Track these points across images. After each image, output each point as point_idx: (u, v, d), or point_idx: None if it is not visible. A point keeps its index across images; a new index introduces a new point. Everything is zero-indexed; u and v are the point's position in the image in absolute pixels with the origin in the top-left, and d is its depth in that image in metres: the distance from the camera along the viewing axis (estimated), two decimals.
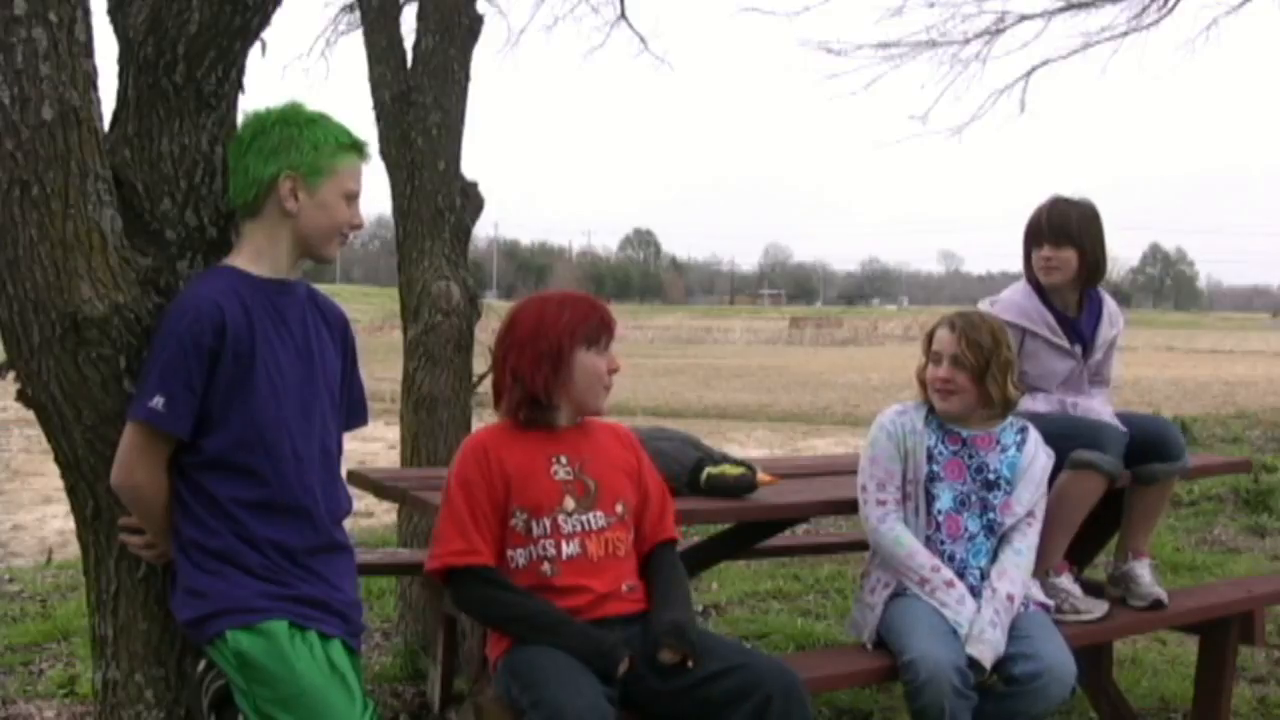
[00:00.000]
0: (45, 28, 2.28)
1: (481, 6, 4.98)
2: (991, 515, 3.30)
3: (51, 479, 6.12)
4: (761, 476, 3.42)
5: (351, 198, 2.51)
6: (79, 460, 2.49)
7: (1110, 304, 3.89)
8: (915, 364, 3.44)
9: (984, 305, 3.73)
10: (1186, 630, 4.23)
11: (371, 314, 47.13)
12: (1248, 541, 7.33)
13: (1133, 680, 4.48)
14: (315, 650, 2.38)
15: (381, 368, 12.04)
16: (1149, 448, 3.69)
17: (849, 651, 3.36)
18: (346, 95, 4.72)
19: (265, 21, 2.55)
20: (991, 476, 3.32)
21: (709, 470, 3.38)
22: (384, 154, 4.83)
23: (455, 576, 2.78)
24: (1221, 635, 3.87)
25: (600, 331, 2.83)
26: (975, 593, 3.22)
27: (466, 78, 4.87)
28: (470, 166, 4.91)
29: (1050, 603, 3.43)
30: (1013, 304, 3.73)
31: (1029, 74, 11.49)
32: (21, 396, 2.50)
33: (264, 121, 2.47)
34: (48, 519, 9.03)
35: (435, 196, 4.77)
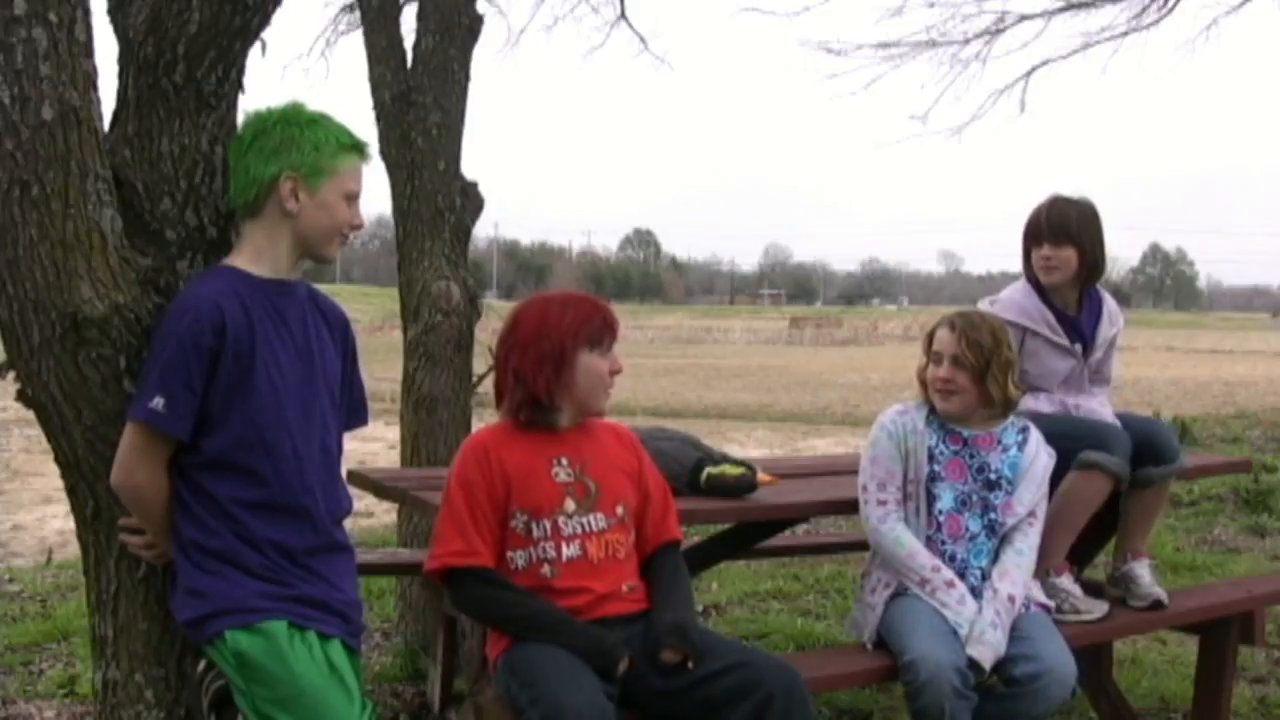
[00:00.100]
0: (45, 28, 2.28)
1: (481, 6, 4.98)
2: (993, 515, 3.30)
3: (51, 479, 6.12)
4: (761, 476, 3.42)
5: (352, 198, 2.51)
6: (79, 460, 2.49)
7: (1110, 302, 3.89)
8: (915, 364, 3.44)
9: (984, 305, 3.73)
10: (1186, 630, 4.22)
11: (371, 314, 47.12)
12: (1248, 541, 7.33)
13: (1133, 680, 4.48)
14: (314, 650, 2.38)
15: (381, 368, 12.04)
16: (1143, 451, 3.68)
17: (849, 651, 3.36)
18: (346, 95, 4.72)
19: (265, 21, 2.55)
20: (993, 476, 3.31)
21: (709, 470, 3.38)
22: (384, 154, 4.82)
23: (454, 577, 2.78)
24: (1221, 635, 3.86)
25: (603, 333, 2.82)
26: (976, 593, 3.22)
27: (466, 78, 4.87)
28: (470, 166, 4.91)
29: (1051, 603, 3.43)
30: (1013, 303, 3.73)
31: (1029, 74, 11.51)
32: (21, 396, 2.50)
33: (265, 121, 2.47)
34: (48, 519, 9.04)
35: (435, 196, 4.77)
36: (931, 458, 3.29)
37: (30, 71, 2.27)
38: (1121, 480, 3.57)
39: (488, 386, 3.05)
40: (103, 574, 2.57)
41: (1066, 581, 3.59)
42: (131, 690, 2.57)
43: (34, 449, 12.07)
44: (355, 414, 2.68)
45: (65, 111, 2.31)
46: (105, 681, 2.59)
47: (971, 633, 3.10)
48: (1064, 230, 3.67)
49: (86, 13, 2.37)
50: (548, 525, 2.76)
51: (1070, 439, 3.50)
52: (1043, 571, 3.48)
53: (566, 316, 2.80)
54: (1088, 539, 3.80)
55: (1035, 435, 3.39)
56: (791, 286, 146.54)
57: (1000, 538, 3.31)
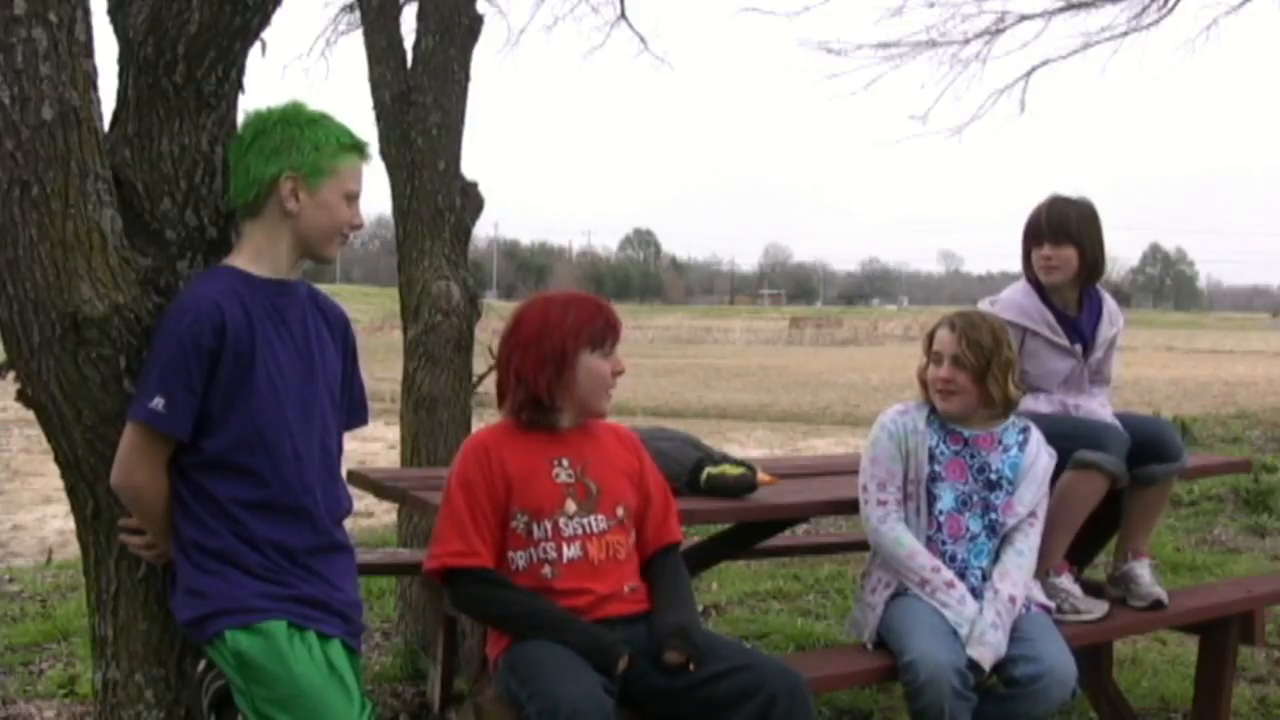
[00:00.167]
0: (45, 28, 2.28)
1: (481, 6, 4.98)
2: (993, 515, 3.30)
3: (51, 479, 6.12)
4: (761, 476, 3.42)
5: (352, 198, 2.51)
6: (79, 460, 2.49)
7: (1110, 303, 3.89)
8: (915, 364, 3.44)
9: (984, 305, 3.73)
10: (1186, 630, 4.22)
11: (371, 314, 47.13)
12: (1248, 541, 7.33)
13: (1133, 680, 4.48)
14: (314, 650, 2.38)
15: (381, 368, 12.05)
16: (1147, 449, 3.69)
17: (849, 651, 3.36)
18: (346, 95, 4.72)
19: (265, 21, 2.55)
20: (993, 476, 3.31)
21: (709, 470, 3.38)
22: (384, 154, 4.82)
23: (454, 577, 2.78)
24: (1221, 635, 3.86)
25: (605, 334, 2.82)
26: (976, 593, 3.22)
27: (466, 78, 4.87)
28: (470, 166, 4.92)
29: (1051, 604, 3.43)
30: (1013, 303, 3.73)
31: (1029, 74, 11.51)
32: (21, 396, 2.50)
33: (265, 121, 2.47)
34: (48, 519, 9.04)
35: (435, 196, 4.77)
36: (932, 458, 3.29)
37: (30, 71, 2.27)
38: (1118, 479, 3.57)
39: (488, 386, 3.05)
40: (103, 574, 2.57)
41: (1066, 581, 3.59)
42: (131, 690, 2.56)
43: (34, 449, 12.07)
44: (355, 414, 2.68)
45: (65, 111, 2.31)
46: (105, 681, 2.59)
47: (972, 633, 3.10)
48: (1064, 230, 3.67)
49: (86, 13, 2.37)
50: (548, 526, 2.76)
51: (1068, 439, 3.50)
52: (1042, 572, 3.48)
53: (568, 317, 2.80)
54: (1088, 539, 3.80)
55: (1036, 435, 3.39)
56: (791, 286, 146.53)
57: (1001, 538, 3.31)
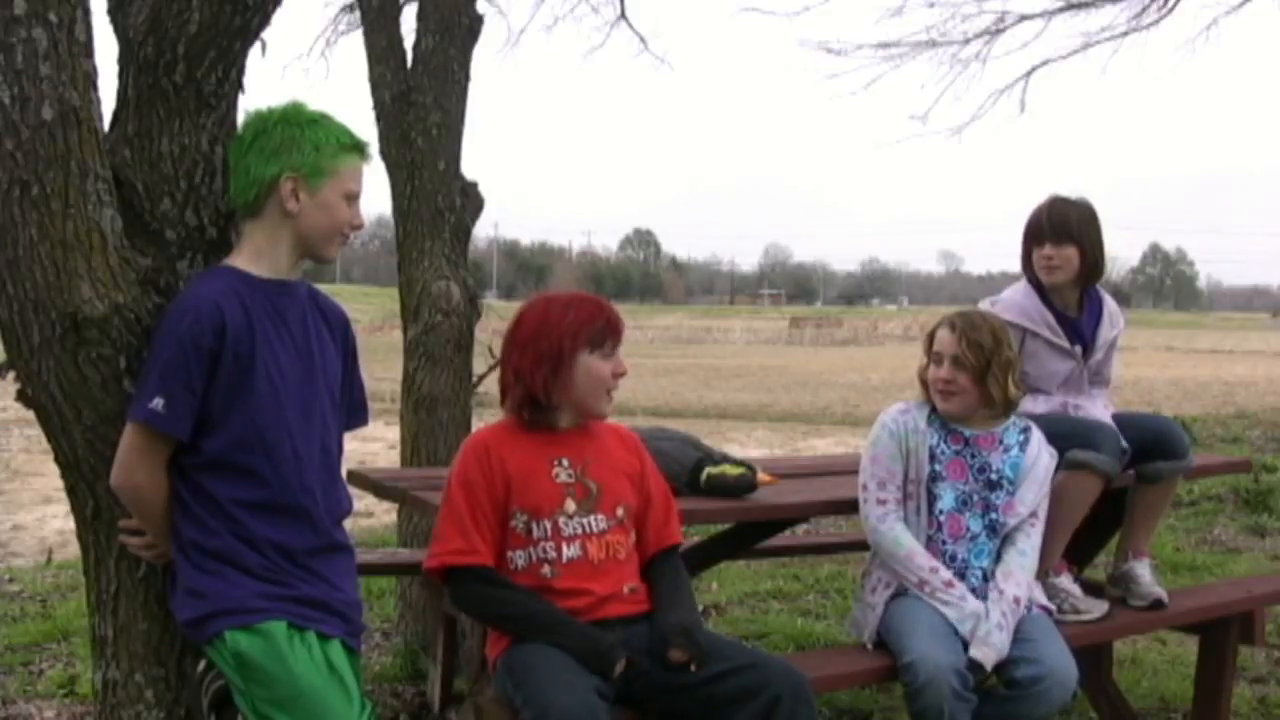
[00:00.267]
0: (45, 28, 2.28)
1: (481, 6, 4.98)
2: (994, 515, 3.30)
3: (51, 479, 6.12)
4: (761, 476, 3.41)
5: (352, 198, 2.51)
6: (79, 460, 2.49)
7: (1110, 304, 3.89)
8: (915, 364, 3.44)
9: (984, 305, 3.73)
10: (1186, 630, 4.22)
11: (371, 314, 47.14)
12: (1248, 541, 7.33)
13: (1133, 680, 4.48)
14: (314, 651, 2.38)
15: (381, 368, 12.05)
16: (1154, 446, 3.69)
17: (849, 651, 3.36)
18: (346, 95, 4.72)
19: (265, 21, 2.55)
20: (994, 476, 3.31)
21: (709, 470, 3.38)
22: (384, 154, 4.82)
23: (454, 576, 2.77)
24: (1221, 635, 3.86)
25: (605, 334, 2.81)
26: (976, 593, 3.21)
27: (466, 78, 4.87)
28: (470, 166, 4.92)
29: (1051, 605, 3.43)
30: (1013, 304, 3.73)
31: (1029, 74, 11.51)
32: (21, 396, 2.50)
33: (265, 121, 2.47)
34: (48, 519, 9.04)
35: (435, 196, 4.77)
36: (933, 457, 3.29)
37: (30, 71, 2.27)
38: (1111, 478, 3.57)
39: (488, 386, 3.05)
40: (103, 574, 2.57)
41: (1066, 581, 3.59)
42: (131, 690, 2.56)
43: (34, 449, 12.07)
44: (356, 414, 2.68)
45: (65, 111, 2.31)
46: (105, 681, 2.59)
47: (976, 633, 3.10)
48: (1065, 229, 3.67)
49: (86, 13, 2.37)
50: (548, 525, 2.76)
51: (1065, 439, 3.50)
52: (1041, 572, 3.48)
53: (567, 317, 2.80)
54: (1088, 539, 3.80)
55: (1037, 435, 3.39)
56: (791, 286, 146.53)
57: (1002, 538, 3.31)
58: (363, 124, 3.33)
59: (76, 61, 2.32)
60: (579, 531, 2.77)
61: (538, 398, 2.79)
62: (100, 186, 2.38)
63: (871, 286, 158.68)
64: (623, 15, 8.50)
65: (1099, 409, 3.78)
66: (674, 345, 47.99)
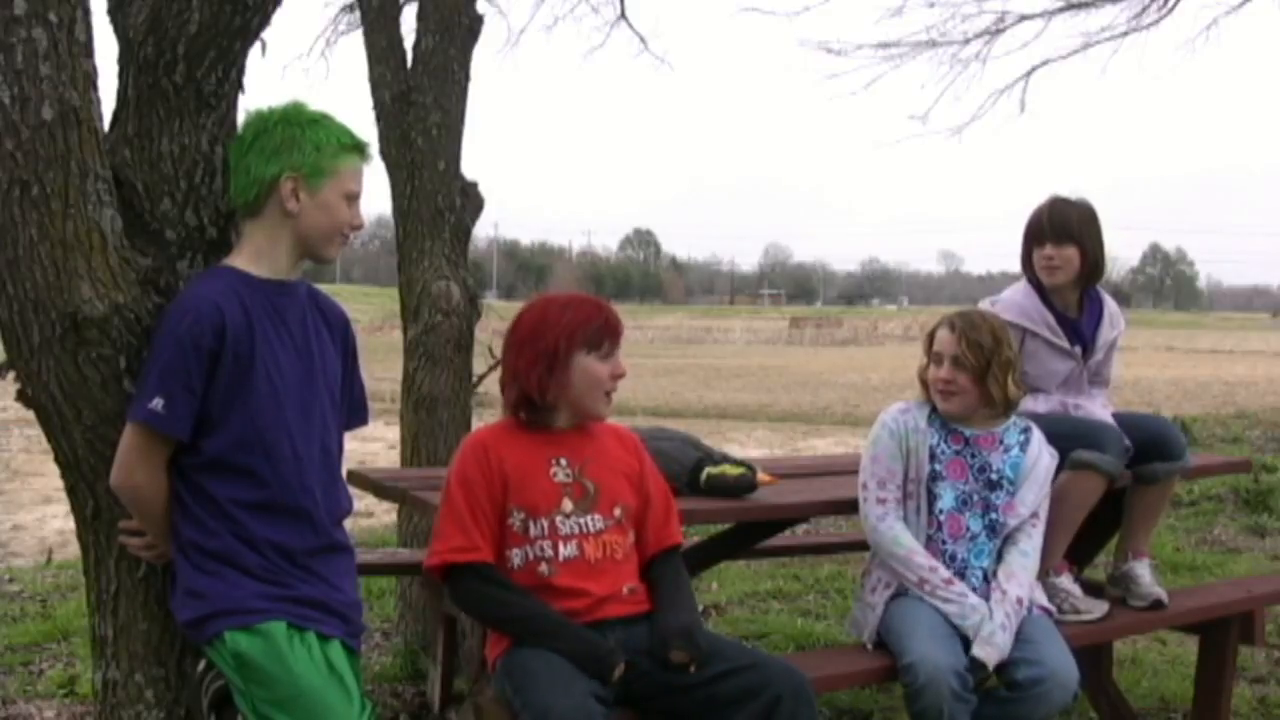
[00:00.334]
0: (45, 28, 2.28)
1: (481, 6, 4.98)
2: (994, 515, 3.30)
3: (51, 479, 6.12)
4: (761, 476, 3.41)
5: (352, 198, 2.51)
6: (79, 460, 2.49)
7: (1111, 305, 3.89)
8: (915, 364, 3.44)
9: (984, 305, 3.73)
10: (1186, 630, 4.22)
11: (371, 314, 47.14)
12: (1248, 541, 7.33)
13: (1133, 680, 4.48)
14: (314, 651, 2.38)
15: (381, 368, 12.05)
16: (1150, 447, 3.69)
17: (849, 651, 3.36)
18: (346, 95, 4.72)
19: (265, 21, 2.55)
20: (994, 476, 3.31)
21: (709, 470, 3.38)
22: (384, 154, 4.82)
23: (454, 573, 2.77)
24: (1221, 635, 3.86)
25: (602, 335, 2.81)
26: (976, 594, 3.21)
27: (466, 78, 4.87)
28: (470, 166, 4.92)
29: (1051, 607, 3.43)
30: (1013, 304, 3.73)
31: (1029, 74, 11.52)
32: (21, 396, 2.50)
33: (266, 121, 2.47)
34: (48, 519, 9.03)
35: (435, 196, 4.77)
36: (933, 457, 3.29)
37: (30, 71, 2.27)
38: (1115, 479, 3.57)
39: (488, 386, 3.05)
40: (103, 574, 2.57)
41: (1066, 581, 3.59)
42: (131, 690, 2.56)
43: (34, 449, 12.07)
44: (356, 414, 2.67)
45: (65, 111, 2.31)
46: (105, 681, 2.59)
47: (980, 633, 3.10)
48: (1066, 230, 3.67)
49: (86, 13, 2.37)
50: (545, 524, 2.76)
51: (1066, 439, 3.50)
52: (1042, 572, 3.48)
53: (564, 317, 2.80)
54: (1088, 539, 3.80)
55: (1037, 436, 3.39)
56: (791, 286, 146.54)
57: (1003, 539, 3.31)
58: (363, 124, 3.34)
59: (76, 61, 2.32)
60: (576, 531, 2.77)
61: (532, 397, 2.79)
62: (100, 186, 2.38)
63: (871, 286, 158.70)
64: (623, 15, 8.51)
65: (1099, 408, 3.78)
66: (674, 345, 47.99)
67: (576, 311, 2.81)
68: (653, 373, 27.37)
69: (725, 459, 3.46)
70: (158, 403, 2.32)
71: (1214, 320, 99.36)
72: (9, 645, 4.86)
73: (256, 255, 2.48)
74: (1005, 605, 3.17)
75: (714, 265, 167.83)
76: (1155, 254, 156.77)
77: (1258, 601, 3.95)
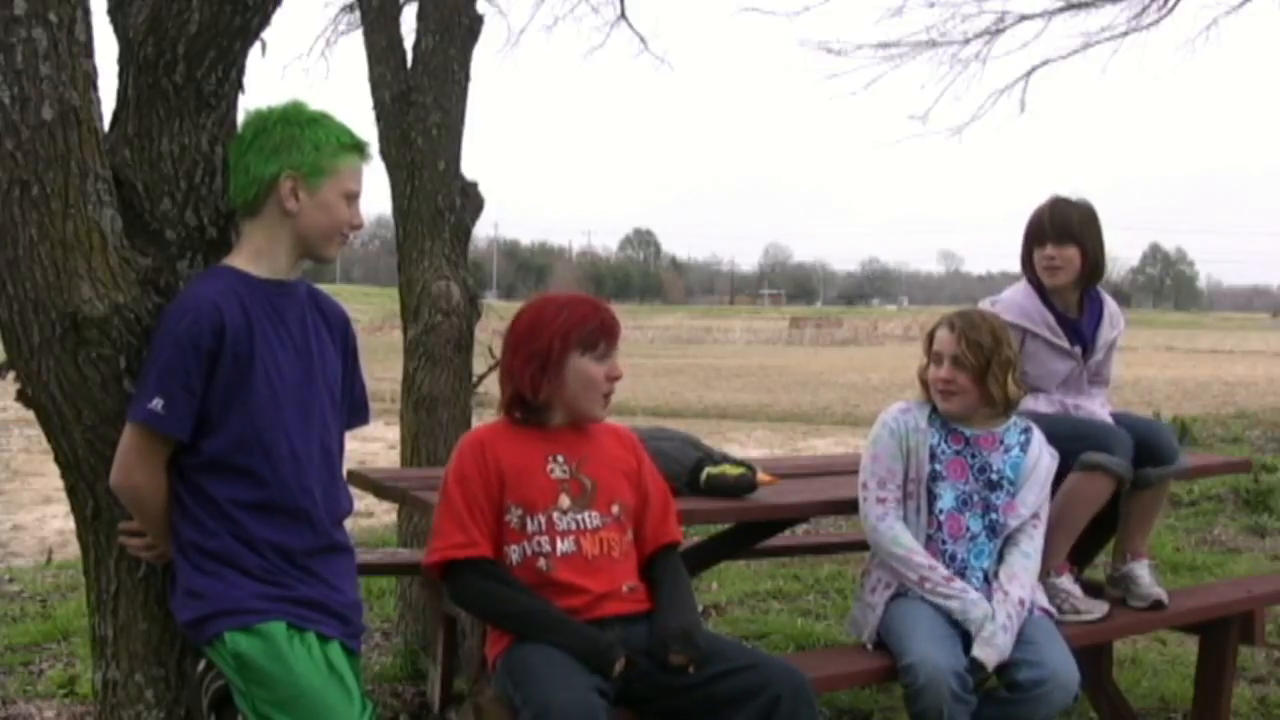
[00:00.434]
0: (45, 28, 2.28)
1: (481, 6, 4.98)
2: (994, 516, 3.30)
3: (51, 479, 6.12)
4: (761, 476, 3.42)
5: (352, 198, 2.51)
6: (79, 460, 2.49)
7: (1111, 305, 3.88)
8: (915, 364, 3.44)
9: (984, 305, 3.73)
10: (1186, 630, 4.22)
11: (371, 314, 47.15)
12: (1248, 541, 7.33)
13: (1133, 680, 4.48)
14: (314, 651, 2.38)
15: (381, 368, 12.03)
16: (1142, 451, 3.67)
17: (849, 651, 3.36)
18: (346, 95, 4.72)
19: (265, 21, 2.55)
20: (994, 477, 3.31)
21: (709, 470, 3.38)
22: (384, 154, 4.82)
23: (454, 569, 2.77)
24: (1221, 635, 3.86)
25: (598, 336, 2.81)
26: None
27: (466, 78, 4.87)
28: (470, 166, 4.92)
29: (1052, 608, 3.42)
30: (1014, 304, 3.73)
31: (1029, 74, 11.52)
32: (21, 396, 2.50)
33: (265, 120, 2.46)
34: (48, 519, 9.03)
35: (435, 196, 4.77)
36: (933, 457, 3.29)
37: (30, 71, 2.27)
38: (1124, 480, 3.57)
39: (488, 386, 3.05)
40: (103, 574, 2.57)
41: (1066, 582, 3.59)
42: (131, 690, 2.56)
43: (34, 449, 12.07)
44: (356, 413, 2.67)
45: (65, 111, 2.31)
46: (105, 681, 2.59)
47: (981, 633, 3.10)
48: (1067, 230, 3.67)
49: (86, 13, 2.37)
50: (542, 520, 2.76)
51: (1071, 440, 3.50)
52: (1043, 572, 3.48)
53: (560, 317, 2.80)
54: (1088, 539, 3.80)
55: (1038, 436, 3.39)
56: (791, 286, 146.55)
57: (1004, 539, 3.31)
58: (363, 124, 3.34)
59: (76, 61, 2.32)
60: (573, 527, 2.77)
61: (526, 396, 2.79)
62: (100, 186, 2.38)
63: (871, 286, 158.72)
64: (623, 15, 8.51)
65: (1098, 408, 3.78)
66: (674, 345, 47.99)
67: (572, 312, 2.81)
68: (653, 373, 27.37)
69: (725, 459, 3.46)
70: (157, 403, 2.32)
71: (1214, 320, 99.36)
72: (9, 645, 4.86)
73: (256, 255, 2.48)
74: (1007, 606, 3.16)
75: (714, 265, 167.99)
76: (1155, 254, 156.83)
77: (1258, 601, 3.95)
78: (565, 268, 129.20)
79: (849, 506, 3.44)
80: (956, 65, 11.21)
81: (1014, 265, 3.92)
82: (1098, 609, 3.58)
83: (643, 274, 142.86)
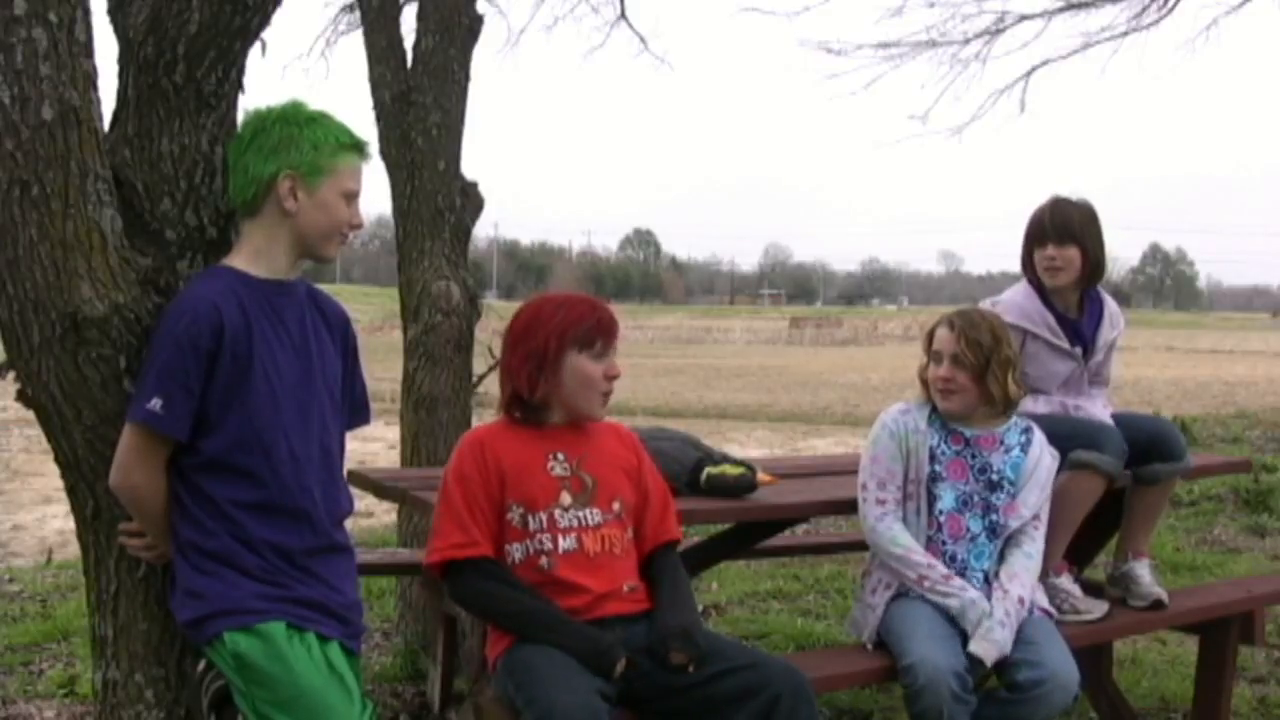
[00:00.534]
0: (45, 28, 2.27)
1: (481, 6, 4.99)
2: (994, 517, 3.30)
3: (51, 479, 6.12)
4: (761, 476, 3.42)
5: (351, 197, 2.51)
6: (79, 460, 2.49)
7: (1111, 305, 3.88)
8: (915, 364, 3.44)
9: (985, 306, 3.73)
10: (1186, 630, 4.22)
11: (371, 314, 47.14)
12: (1248, 541, 7.33)
13: (1133, 680, 4.48)
14: (314, 651, 2.38)
15: (381, 368, 12.03)
16: (1151, 448, 3.69)
17: (849, 651, 3.36)
18: (346, 95, 4.72)
19: (265, 21, 2.54)
20: (995, 477, 3.31)
21: (709, 470, 3.38)
22: (384, 154, 4.83)
23: (454, 569, 2.77)
24: (1221, 635, 3.86)
25: (594, 335, 2.81)
26: None
27: (466, 78, 4.87)
28: (470, 166, 4.92)
29: (1052, 609, 3.42)
30: (1014, 305, 3.73)
31: (1029, 74, 11.53)
32: (21, 396, 2.50)
33: (264, 120, 2.46)
34: (48, 519, 9.03)
35: (435, 196, 4.77)
36: (933, 457, 3.29)
37: (30, 71, 2.27)
38: (1115, 479, 3.57)
39: (488, 386, 3.05)
40: (103, 574, 2.57)
41: (1066, 581, 3.59)
42: (131, 690, 2.56)
43: (34, 449, 12.06)
44: (357, 413, 2.67)
45: (65, 111, 2.30)
46: (105, 681, 2.59)
47: (979, 629, 3.10)
48: (1068, 230, 3.67)
49: (86, 13, 2.37)
50: (543, 518, 2.76)
51: (1065, 438, 3.50)
52: (1041, 572, 3.48)
53: (557, 316, 2.80)
54: (1088, 539, 3.80)
55: (1039, 436, 3.39)
56: (791, 286, 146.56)
57: (1006, 540, 3.31)
58: (363, 124, 3.34)
59: (76, 61, 2.32)
60: (574, 524, 2.77)
61: (523, 395, 2.80)
62: (100, 186, 2.38)
63: (871, 286, 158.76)
64: (623, 15, 8.52)
65: (1099, 409, 3.78)
66: (674, 345, 47.98)
67: (569, 311, 2.82)
68: (653, 373, 27.37)
69: (725, 459, 3.46)
70: (156, 403, 2.32)
71: (1214, 320, 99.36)
72: (9, 645, 4.86)
73: (255, 255, 2.48)
74: (1006, 603, 3.16)
75: (714, 265, 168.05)
76: (1155, 254, 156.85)
77: (1258, 601, 3.95)
78: (565, 268, 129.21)
79: (849, 506, 3.44)
80: (956, 65, 11.23)
81: (1014, 265, 3.92)
82: (1097, 609, 3.58)
83: (643, 274, 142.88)
